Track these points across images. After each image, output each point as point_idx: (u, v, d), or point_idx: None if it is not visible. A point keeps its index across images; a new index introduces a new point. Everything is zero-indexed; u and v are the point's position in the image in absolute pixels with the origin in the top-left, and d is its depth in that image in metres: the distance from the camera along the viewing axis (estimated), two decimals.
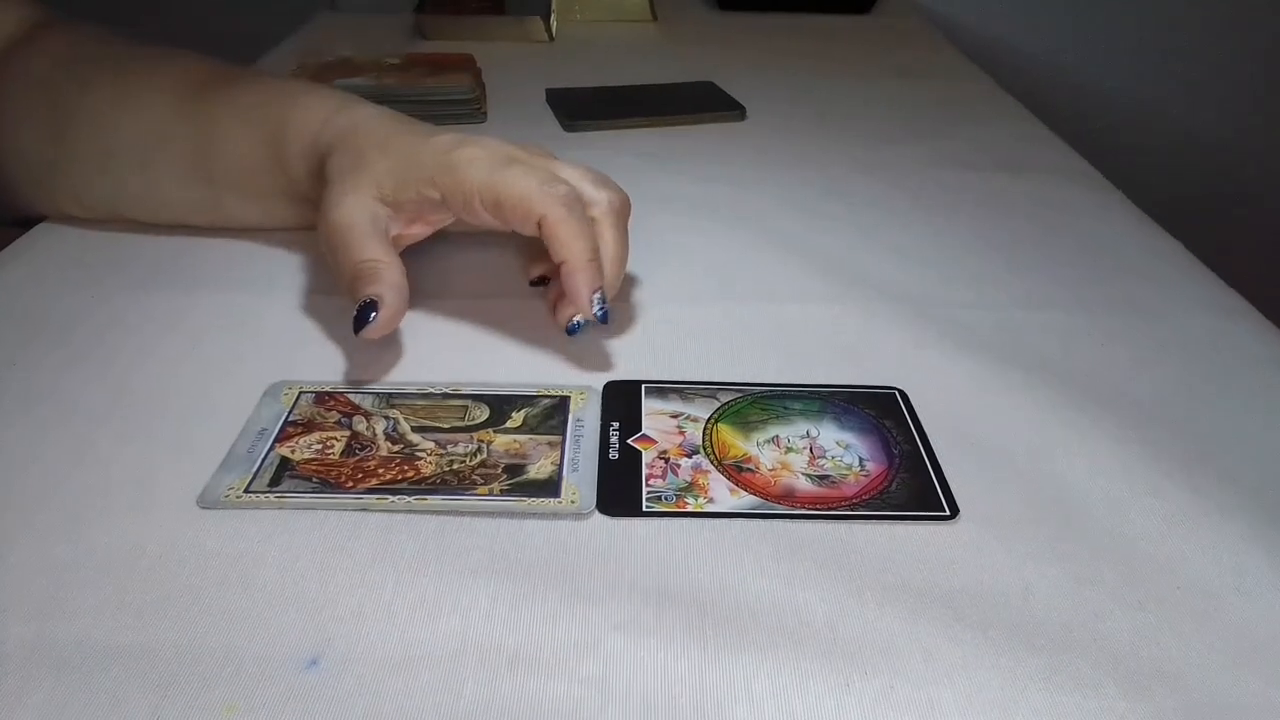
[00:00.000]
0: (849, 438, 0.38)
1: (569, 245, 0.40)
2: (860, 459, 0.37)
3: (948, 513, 0.34)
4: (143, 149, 0.49)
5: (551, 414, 0.39)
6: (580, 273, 0.40)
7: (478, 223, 0.42)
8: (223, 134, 0.48)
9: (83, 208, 0.52)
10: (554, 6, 1.00)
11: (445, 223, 0.45)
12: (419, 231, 0.45)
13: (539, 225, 0.40)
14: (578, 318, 0.42)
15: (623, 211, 0.43)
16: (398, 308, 0.40)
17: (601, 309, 0.40)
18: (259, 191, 0.49)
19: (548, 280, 0.46)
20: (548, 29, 0.96)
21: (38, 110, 0.51)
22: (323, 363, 0.42)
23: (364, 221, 0.41)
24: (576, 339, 0.43)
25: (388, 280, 0.40)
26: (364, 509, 0.33)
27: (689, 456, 0.37)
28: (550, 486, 0.35)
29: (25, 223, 0.54)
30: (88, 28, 0.54)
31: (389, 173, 0.42)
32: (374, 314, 0.39)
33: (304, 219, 0.49)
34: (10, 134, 0.51)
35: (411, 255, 0.50)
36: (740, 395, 0.40)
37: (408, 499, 0.34)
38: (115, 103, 0.50)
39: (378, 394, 0.40)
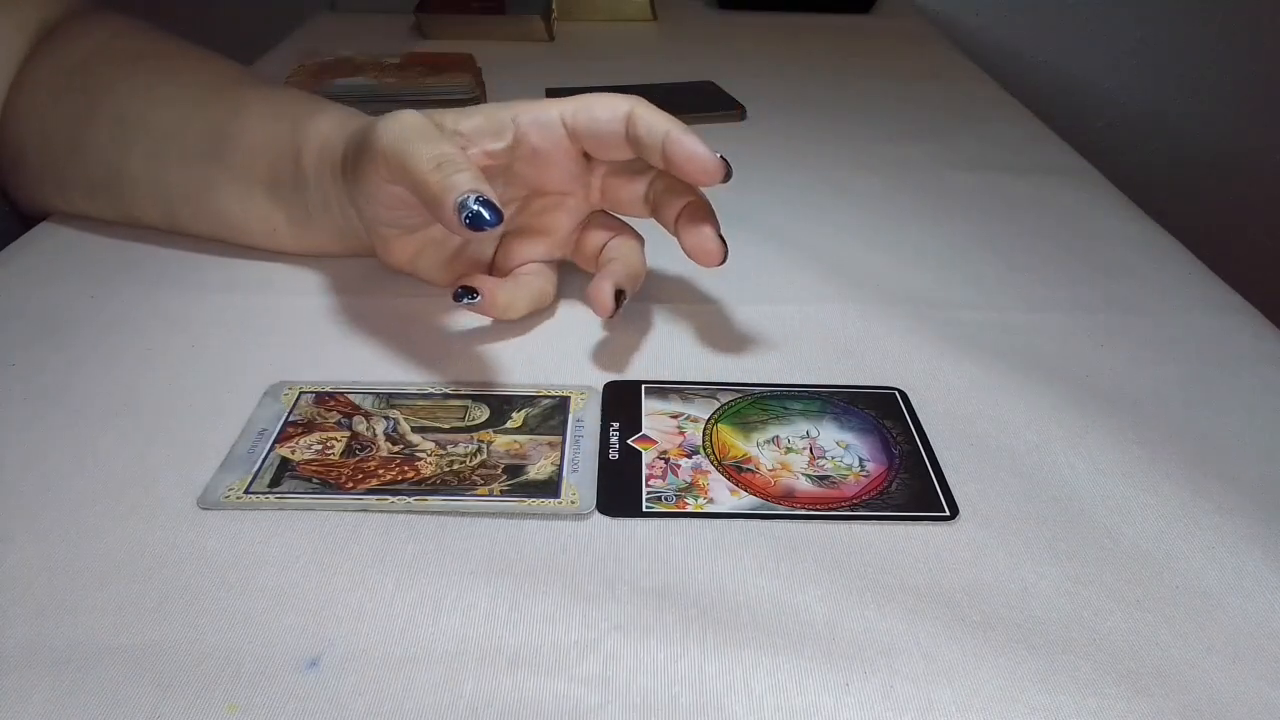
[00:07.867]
0: (849, 438, 0.38)
1: (663, 118, 0.41)
2: (860, 459, 0.37)
3: (948, 513, 0.34)
4: (160, 130, 0.49)
5: (551, 414, 0.39)
6: (689, 134, 0.41)
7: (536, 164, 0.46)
8: (245, 116, 0.48)
9: (89, 189, 0.51)
10: (554, 6, 1.00)
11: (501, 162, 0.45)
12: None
13: (628, 120, 0.42)
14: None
15: None
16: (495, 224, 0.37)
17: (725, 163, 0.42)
18: (260, 176, 0.47)
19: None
20: (548, 29, 0.96)
21: (71, 93, 0.51)
22: (323, 363, 0.42)
23: (424, 126, 0.40)
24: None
25: (471, 175, 0.37)
26: (364, 509, 0.33)
27: (689, 457, 0.37)
28: (550, 487, 0.35)
29: (31, 219, 0.54)
30: (131, 20, 0.55)
31: (457, 116, 0.43)
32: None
33: (286, 218, 0.48)
34: (38, 115, 0.52)
35: None
36: (740, 395, 0.40)
37: (408, 499, 0.34)
38: (147, 89, 0.50)
39: (378, 394, 0.40)
